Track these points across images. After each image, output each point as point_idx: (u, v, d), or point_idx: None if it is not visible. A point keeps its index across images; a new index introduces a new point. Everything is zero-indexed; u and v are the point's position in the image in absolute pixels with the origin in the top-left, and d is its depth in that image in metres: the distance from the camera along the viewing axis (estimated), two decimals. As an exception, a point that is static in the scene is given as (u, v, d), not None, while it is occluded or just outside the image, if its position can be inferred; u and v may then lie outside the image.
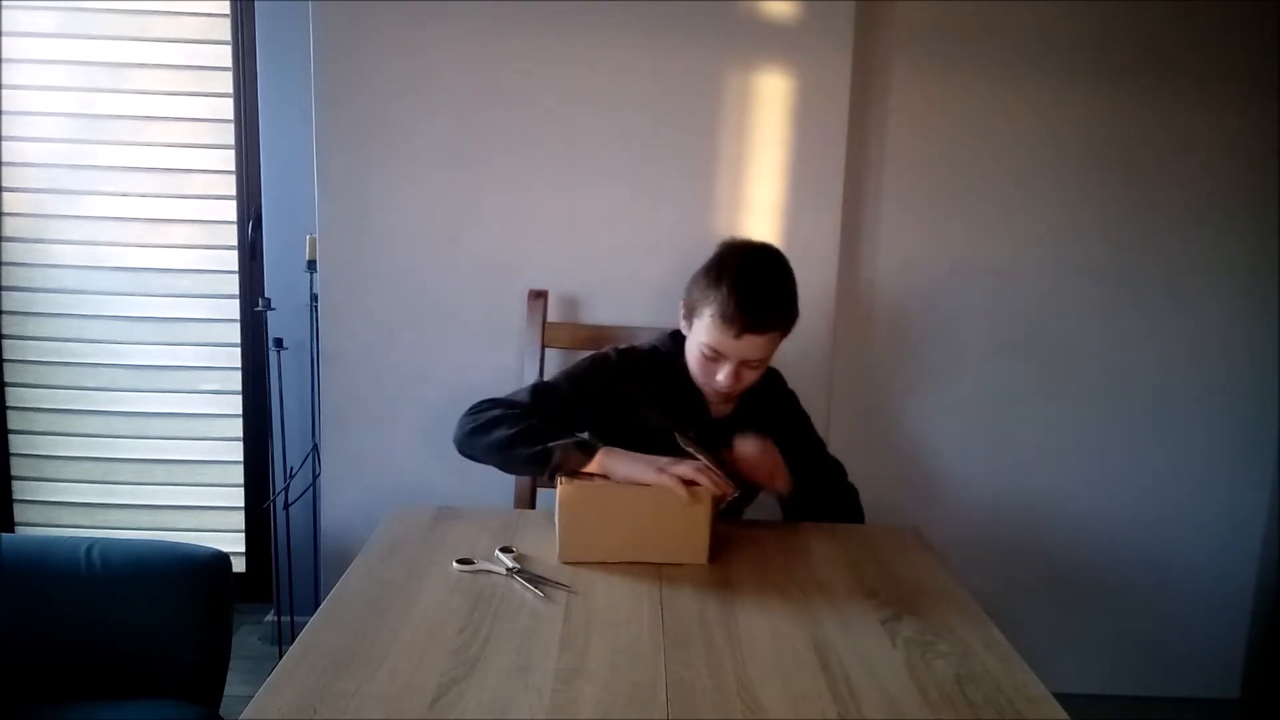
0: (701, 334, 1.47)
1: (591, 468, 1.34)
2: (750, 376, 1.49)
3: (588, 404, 1.51)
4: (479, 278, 1.97)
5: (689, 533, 1.31)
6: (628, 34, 1.90)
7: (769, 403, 1.62)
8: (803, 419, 1.67)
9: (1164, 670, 2.27)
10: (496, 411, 1.45)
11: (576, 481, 1.32)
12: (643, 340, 1.64)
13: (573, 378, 1.56)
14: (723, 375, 1.46)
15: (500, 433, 1.40)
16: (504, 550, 1.32)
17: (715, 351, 1.45)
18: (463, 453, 1.46)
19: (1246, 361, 2.17)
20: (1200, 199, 2.10)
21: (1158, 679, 2.28)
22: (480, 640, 1.08)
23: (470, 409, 1.47)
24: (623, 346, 1.61)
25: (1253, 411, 2.19)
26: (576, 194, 1.94)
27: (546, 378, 1.59)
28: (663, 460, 1.32)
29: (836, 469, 1.63)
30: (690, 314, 1.51)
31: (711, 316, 1.43)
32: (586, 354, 1.61)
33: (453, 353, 1.98)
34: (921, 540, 1.49)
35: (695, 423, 1.50)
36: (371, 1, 1.87)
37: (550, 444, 1.35)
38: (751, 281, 1.44)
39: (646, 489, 1.29)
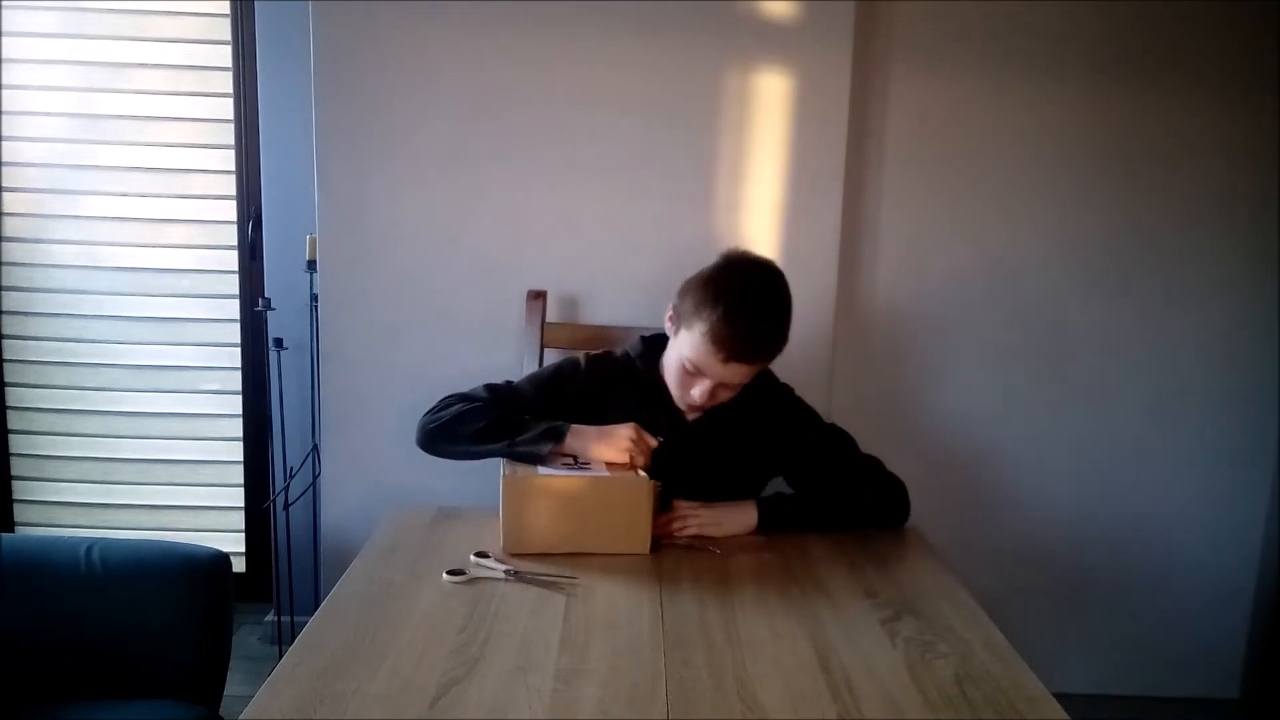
0: (686, 348, 1.43)
1: (564, 449, 1.39)
2: (725, 395, 1.47)
3: (552, 410, 1.49)
4: (479, 278, 1.97)
5: (631, 523, 1.33)
6: (627, 34, 1.89)
7: (759, 411, 1.55)
8: (819, 429, 1.60)
9: (1164, 670, 2.27)
10: (459, 406, 1.48)
11: (519, 473, 1.34)
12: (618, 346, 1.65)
13: (539, 383, 1.57)
14: (698, 392, 1.44)
15: (470, 425, 1.43)
16: (480, 555, 1.29)
17: (696, 369, 1.43)
18: (428, 447, 1.49)
19: (1246, 362, 2.17)
20: (1200, 199, 2.10)
21: (1158, 679, 2.28)
22: (480, 640, 1.08)
23: (430, 410, 1.50)
24: (593, 354, 1.61)
25: (1253, 411, 2.19)
26: (576, 194, 1.94)
27: (510, 380, 1.60)
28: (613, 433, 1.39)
29: (874, 465, 1.57)
30: (678, 321, 1.47)
31: (702, 335, 1.39)
32: (581, 354, 1.63)
33: (452, 353, 1.97)
34: (921, 540, 1.49)
35: (670, 429, 1.47)
36: (371, 1, 1.87)
37: (522, 434, 1.39)
38: (748, 308, 1.40)
39: (587, 480, 1.33)
